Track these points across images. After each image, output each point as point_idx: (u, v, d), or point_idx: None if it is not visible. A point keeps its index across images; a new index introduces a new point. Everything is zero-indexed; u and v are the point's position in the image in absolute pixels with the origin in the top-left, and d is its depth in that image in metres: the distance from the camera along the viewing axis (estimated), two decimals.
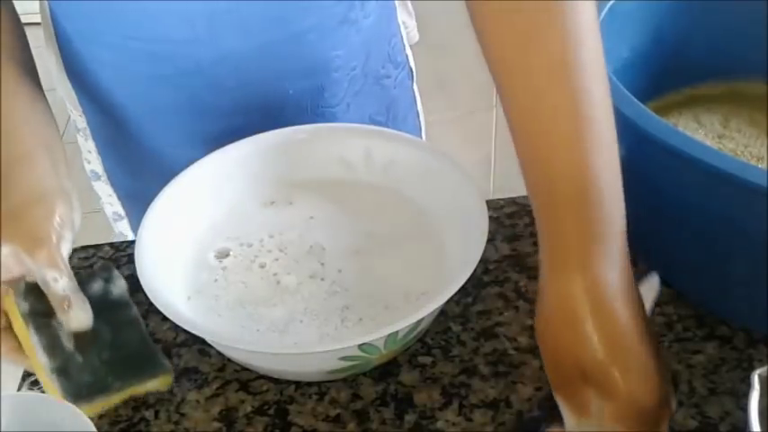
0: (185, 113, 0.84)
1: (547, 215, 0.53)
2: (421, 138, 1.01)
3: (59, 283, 0.62)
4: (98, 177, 0.99)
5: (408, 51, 0.99)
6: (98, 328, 0.66)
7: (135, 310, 0.69)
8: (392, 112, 0.95)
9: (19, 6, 0.79)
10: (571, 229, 0.52)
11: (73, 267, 0.80)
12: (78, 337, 0.65)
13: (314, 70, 0.84)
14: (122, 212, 1.01)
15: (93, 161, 0.97)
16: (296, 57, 0.84)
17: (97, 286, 0.69)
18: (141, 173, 0.90)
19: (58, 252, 0.62)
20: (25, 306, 0.64)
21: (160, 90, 0.78)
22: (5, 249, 0.61)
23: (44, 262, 0.61)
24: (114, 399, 0.64)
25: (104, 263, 0.75)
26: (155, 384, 0.66)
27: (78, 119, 0.94)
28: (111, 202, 1.01)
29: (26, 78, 0.73)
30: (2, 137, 0.65)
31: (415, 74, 1.00)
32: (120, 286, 0.70)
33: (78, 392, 0.61)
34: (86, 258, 0.82)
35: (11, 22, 0.75)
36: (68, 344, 0.64)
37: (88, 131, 0.94)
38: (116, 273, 0.71)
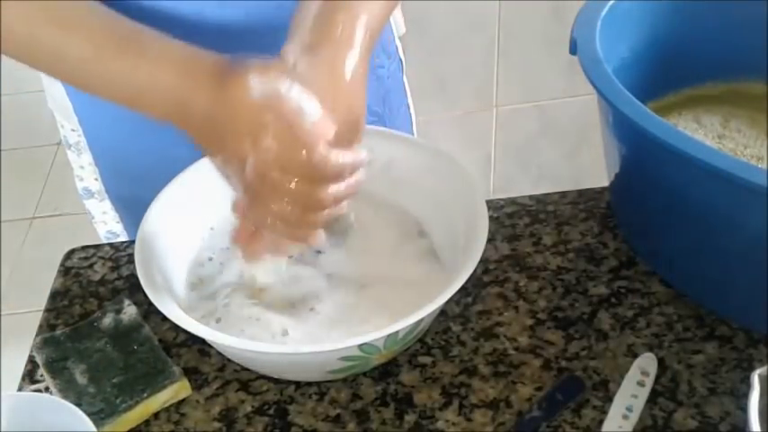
0: None
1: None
2: (413, 131, 1.01)
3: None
4: (91, 195, 0.97)
5: (398, 43, 0.98)
6: (111, 356, 0.70)
7: (146, 330, 0.72)
8: (387, 104, 0.95)
9: None
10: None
11: (73, 267, 0.81)
12: (92, 368, 0.69)
13: None
14: (117, 230, 1.00)
15: (86, 177, 0.96)
16: None
17: (108, 320, 0.73)
18: (141, 178, 0.90)
19: None
20: (42, 356, 0.70)
21: None
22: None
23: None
24: (130, 416, 0.66)
25: (116, 297, 0.76)
26: (169, 394, 0.67)
27: (70, 134, 0.92)
28: (105, 221, 0.99)
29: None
30: None
31: (404, 66, 1.00)
32: (130, 312, 0.74)
33: (92, 419, 0.62)
34: (86, 258, 0.82)
35: None
36: (83, 379, 0.68)
37: (83, 144, 0.93)
38: (126, 301, 0.74)
